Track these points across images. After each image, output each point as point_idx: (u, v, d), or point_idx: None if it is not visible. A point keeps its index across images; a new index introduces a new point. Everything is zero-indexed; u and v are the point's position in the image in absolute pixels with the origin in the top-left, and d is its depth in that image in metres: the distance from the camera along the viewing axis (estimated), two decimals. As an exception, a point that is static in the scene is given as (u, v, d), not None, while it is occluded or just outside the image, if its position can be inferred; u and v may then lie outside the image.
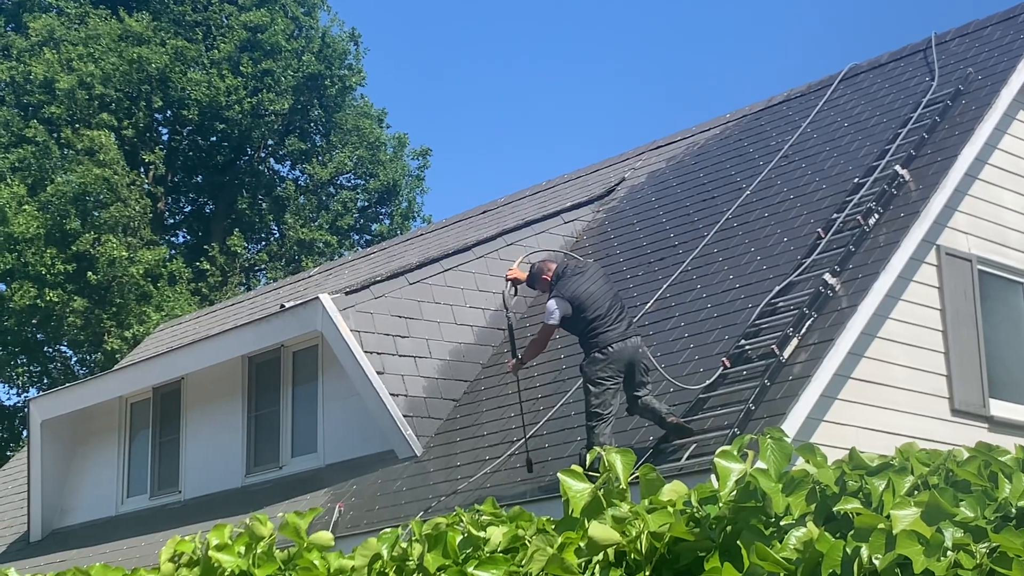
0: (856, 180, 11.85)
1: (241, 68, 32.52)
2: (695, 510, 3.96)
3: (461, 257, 14.09)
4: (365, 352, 12.61)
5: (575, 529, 4.06)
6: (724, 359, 10.29)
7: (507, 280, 10.51)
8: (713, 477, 7.83)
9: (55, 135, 31.27)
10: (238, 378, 14.80)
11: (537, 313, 12.92)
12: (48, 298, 29.35)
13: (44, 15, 32.70)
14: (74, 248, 29.58)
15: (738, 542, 3.72)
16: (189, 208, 36.53)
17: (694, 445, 9.55)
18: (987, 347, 11.36)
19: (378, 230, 35.26)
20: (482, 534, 4.34)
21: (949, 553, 3.38)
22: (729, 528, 3.82)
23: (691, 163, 15.17)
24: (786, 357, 9.93)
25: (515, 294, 10.64)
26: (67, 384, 21.96)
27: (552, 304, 9.79)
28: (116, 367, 20.95)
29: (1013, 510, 3.61)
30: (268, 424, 14.45)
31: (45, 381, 32.48)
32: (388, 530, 4.59)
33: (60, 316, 29.75)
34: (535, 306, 13.35)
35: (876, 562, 3.45)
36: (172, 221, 35.90)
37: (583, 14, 60.12)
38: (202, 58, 32.53)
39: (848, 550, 3.51)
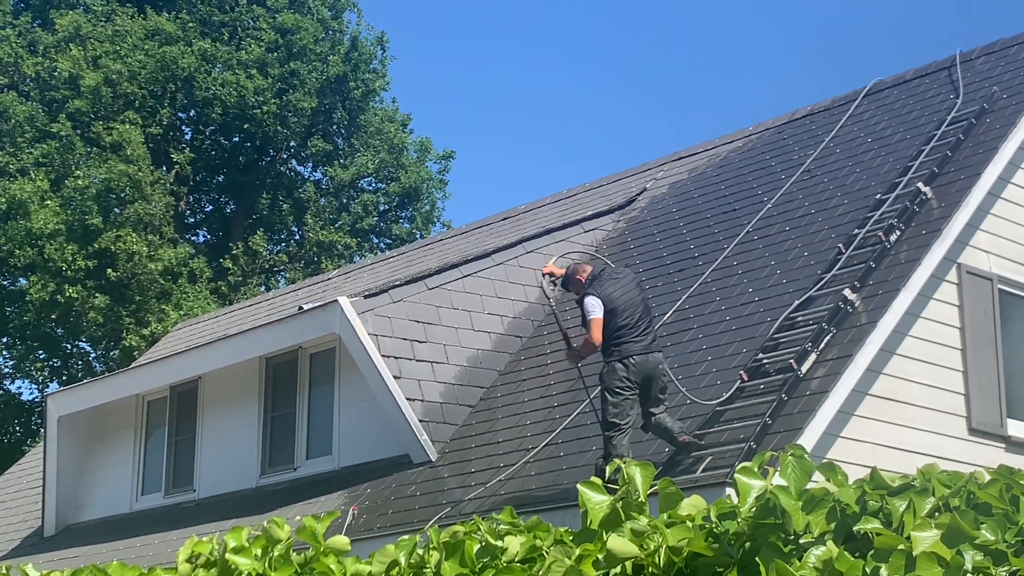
0: (878, 196, 11.83)
1: (268, 70, 32.62)
2: (714, 525, 3.96)
3: (480, 263, 14.10)
4: (382, 356, 12.62)
5: (593, 541, 4.07)
6: (742, 372, 10.27)
7: (543, 275, 10.52)
8: (731, 491, 7.82)
9: (79, 131, 31.39)
10: (255, 379, 14.83)
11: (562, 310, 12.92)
12: (68, 294, 29.44)
13: (71, 12, 32.84)
14: (97, 245, 29.63)
15: (757, 559, 3.71)
16: (210, 208, 36.65)
17: (710, 458, 9.54)
18: (1006, 367, 11.32)
19: (398, 233, 35.30)
20: (500, 543, 4.34)
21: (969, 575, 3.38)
22: (748, 544, 3.82)
23: (713, 175, 15.16)
24: (804, 372, 9.91)
25: (555, 288, 10.63)
26: (85, 380, 22.03)
27: (591, 300, 9.73)
28: (134, 365, 21.01)
29: (1034, 534, 3.61)
30: (284, 425, 14.47)
31: (64, 376, 32.60)
32: (406, 537, 4.60)
33: (79, 312, 29.84)
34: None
35: (895, 583, 3.45)
36: (192, 220, 36.01)
37: (609, 23, 60.15)
38: (231, 59, 32.61)
39: (867, 570, 3.50)
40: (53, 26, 32.69)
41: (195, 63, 31.95)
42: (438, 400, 12.76)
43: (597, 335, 9.75)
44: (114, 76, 31.16)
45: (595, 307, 9.68)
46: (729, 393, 10.15)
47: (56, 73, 31.53)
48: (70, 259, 29.53)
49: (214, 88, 32.21)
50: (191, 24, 32.90)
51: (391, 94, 54.40)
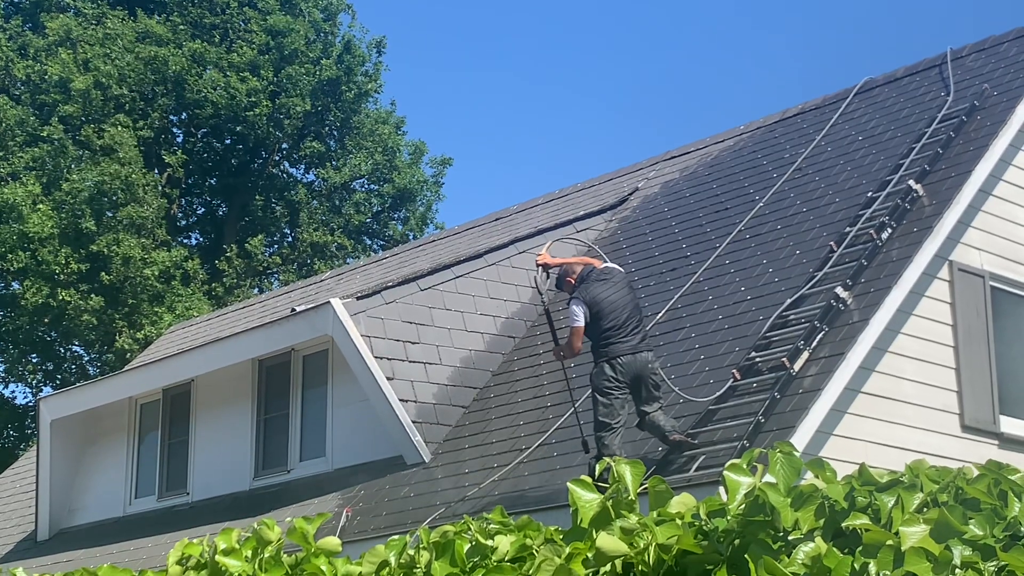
0: (869, 194, 11.84)
1: (260, 72, 32.56)
2: (703, 523, 3.95)
3: (473, 264, 14.10)
4: (375, 357, 12.61)
5: (583, 539, 4.06)
6: (734, 371, 10.27)
7: (538, 266, 10.55)
8: (722, 490, 7.84)
9: (71, 135, 31.34)
10: (248, 381, 14.81)
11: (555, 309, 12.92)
12: (61, 297, 29.39)
13: (61, 15, 32.79)
14: (92, 248, 29.56)
15: (746, 556, 3.71)
16: (202, 210, 36.59)
17: (703, 457, 9.54)
18: (998, 363, 11.33)
19: (391, 234, 35.27)
20: (490, 543, 4.33)
21: (957, 571, 3.38)
22: (737, 542, 3.82)
23: (705, 174, 15.16)
24: (796, 370, 9.91)
25: (547, 279, 10.66)
26: (77, 384, 21.98)
27: (573, 306, 9.83)
28: (126, 368, 20.98)
29: (1022, 529, 3.60)
30: (277, 427, 14.46)
31: (58, 380, 32.55)
32: (396, 537, 4.59)
33: (73, 315, 29.79)
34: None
35: (884, 578, 3.45)
36: (185, 223, 35.96)
37: (600, 23, 60.17)
38: (222, 61, 32.56)
39: (856, 566, 3.50)
40: (43, 29, 32.64)
41: (185, 65, 31.89)
42: (431, 401, 12.76)
43: (577, 344, 9.92)
44: (104, 79, 31.11)
45: (576, 315, 9.76)
46: (722, 392, 10.15)
47: (47, 76, 31.47)
48: (63, 262, 29.48)
49: (205, 90, 32.17)
50: (182, 27, 32.85)
51: (387, 96, 54.49)
